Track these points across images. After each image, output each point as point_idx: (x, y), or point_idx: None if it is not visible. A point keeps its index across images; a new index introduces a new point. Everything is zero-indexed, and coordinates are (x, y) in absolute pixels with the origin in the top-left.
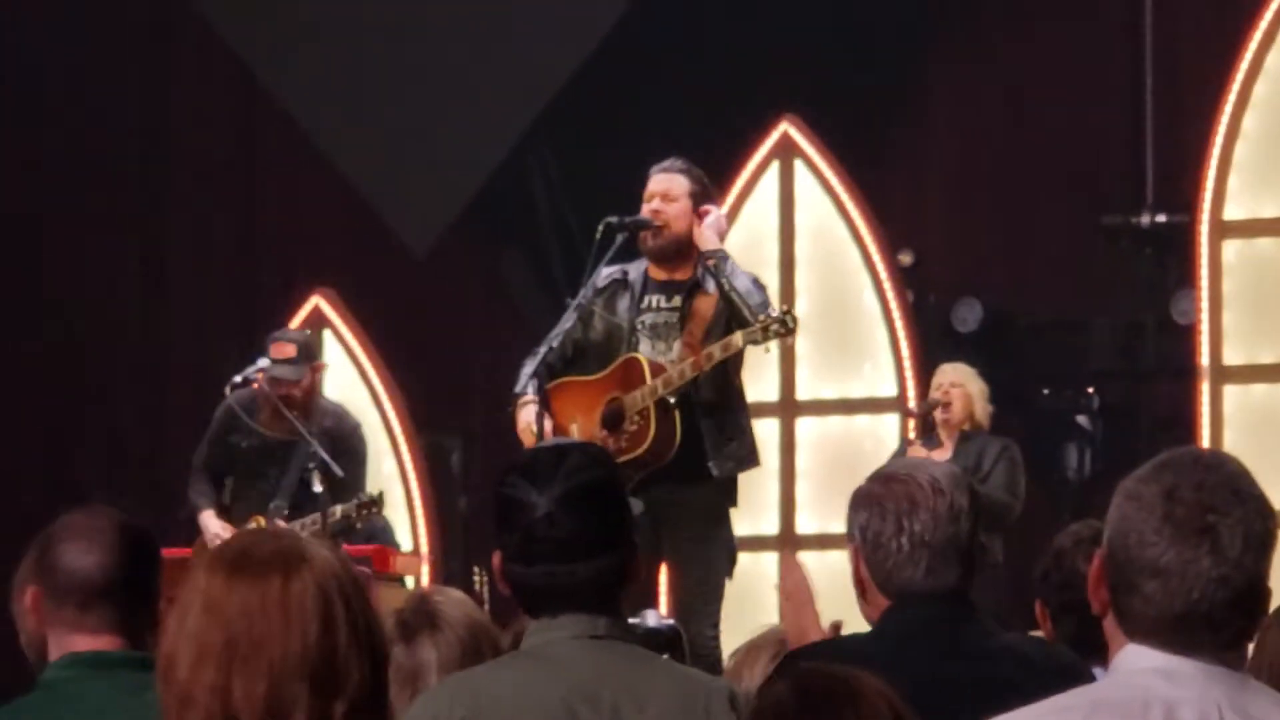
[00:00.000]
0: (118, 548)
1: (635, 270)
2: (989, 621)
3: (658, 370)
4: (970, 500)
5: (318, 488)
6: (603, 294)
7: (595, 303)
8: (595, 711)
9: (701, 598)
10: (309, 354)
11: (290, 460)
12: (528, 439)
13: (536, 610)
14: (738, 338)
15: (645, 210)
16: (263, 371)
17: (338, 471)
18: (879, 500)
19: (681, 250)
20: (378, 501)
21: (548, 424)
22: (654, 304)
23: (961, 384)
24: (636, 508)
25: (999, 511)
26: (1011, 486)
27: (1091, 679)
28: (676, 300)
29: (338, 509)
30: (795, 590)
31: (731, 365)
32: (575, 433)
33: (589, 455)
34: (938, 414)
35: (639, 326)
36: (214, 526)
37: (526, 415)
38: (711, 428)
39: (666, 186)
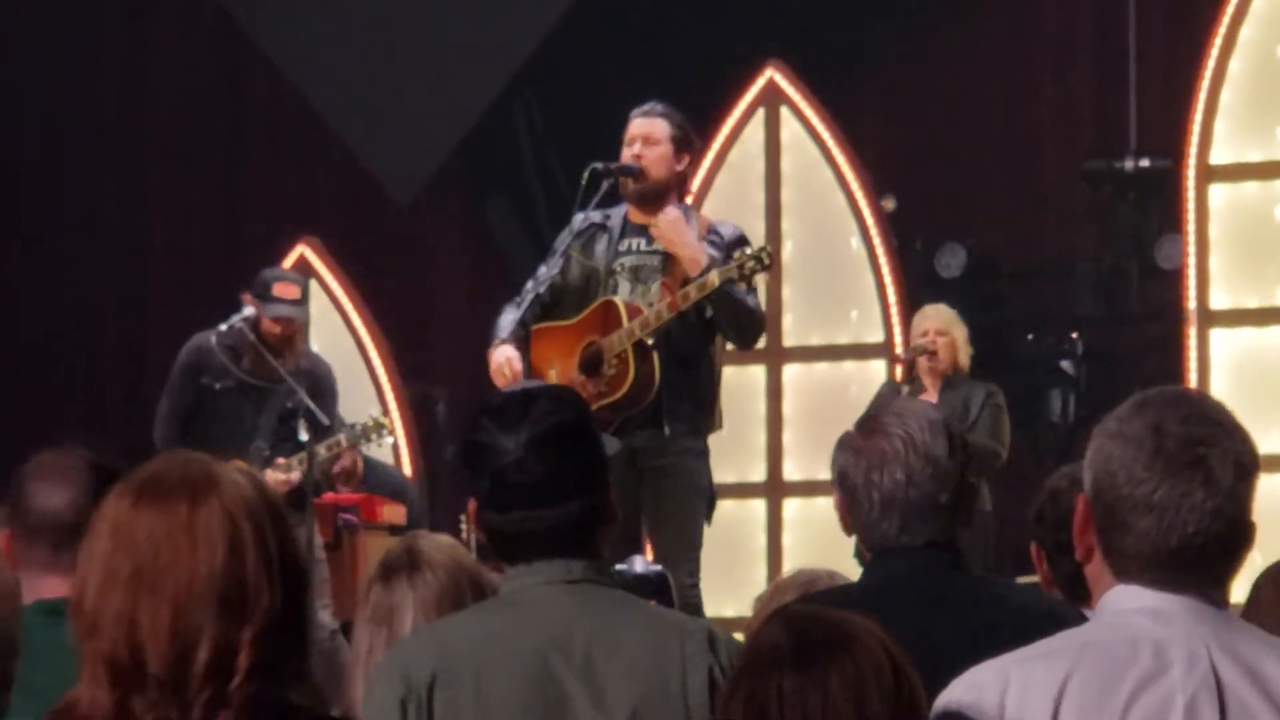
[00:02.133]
0: (90, 486)
1: (616, 214)
2: (976, 569)
3: (635, 312)
4: (951, 449)
5: (304, 435)
6: (580, 238)
7: (573, 247)
8: (567, 658)
9: (679, 545)
10: (306, 294)
11: (267, 403)
12: (499, 381)
13: (511, 556)
14: (714, 276)
15: (626, 154)
16: (260, 310)
17: (323, 420)
18: (856, 451)
19: (662, 194)
20: (383, 424)
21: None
22: (633, 247)
23: (947, 330)
24: (612, 446)
25: (985, 459)
26: (997, 433)
27: (1081, 623)
28: (658, 244)
29: (342, 438)
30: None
31: (717, 334)
32: (553, 377)
33: (558, 398)
34: (923, 361)
35: (618, 269)
36: None
37: (497, 358)
38: (671, 383)
39: (647, 130)
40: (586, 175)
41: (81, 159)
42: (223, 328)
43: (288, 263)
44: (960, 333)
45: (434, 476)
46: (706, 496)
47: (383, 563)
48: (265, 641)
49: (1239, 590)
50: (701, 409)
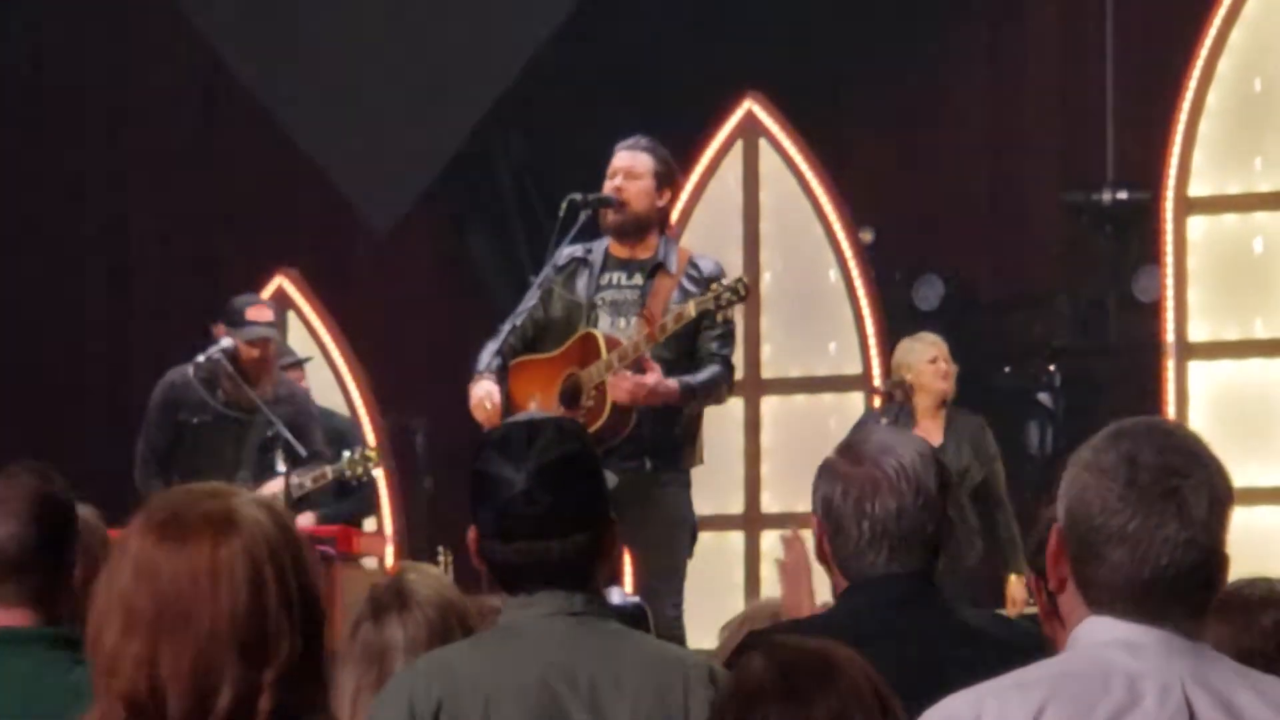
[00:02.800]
0: (32, 517)
1: (597, 248)
2: (948, 601)
3: (613, 344)
4: (940, 483)
5: (281, 467)
6: (563, 272)
7: (555, 281)
8: (573, 690)
9: (662, 577)
10: (278, 318)
11: (247, 434)
12: (479, 415)
13: (513, 587)
14: (690, 307)
15: (608, 186)
16: (236, 337)
17: (300, 450)
18: (844, 479)
19: (642, 228)
20: (371, 458)
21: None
22: (614, 281)
23: (948, 359)
24: (610, 479)
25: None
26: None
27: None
28: (638, 278)
29: (328, 469)
30: (794, 566)
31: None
32: (534, 409)
33: (563, 429)
34: (931, 386)
35: (599, 303)
36: None
37: (477, 392)
38: (653, 416)
39: (630, 163)
40: (565, 206)
41: (60, 188)
42: (200, 359)
43: (265, 293)
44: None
45: (412, 507)
46: (689, 528)
47: (371, 599)
48: (286, 685)
49: None
50: (683, 442)
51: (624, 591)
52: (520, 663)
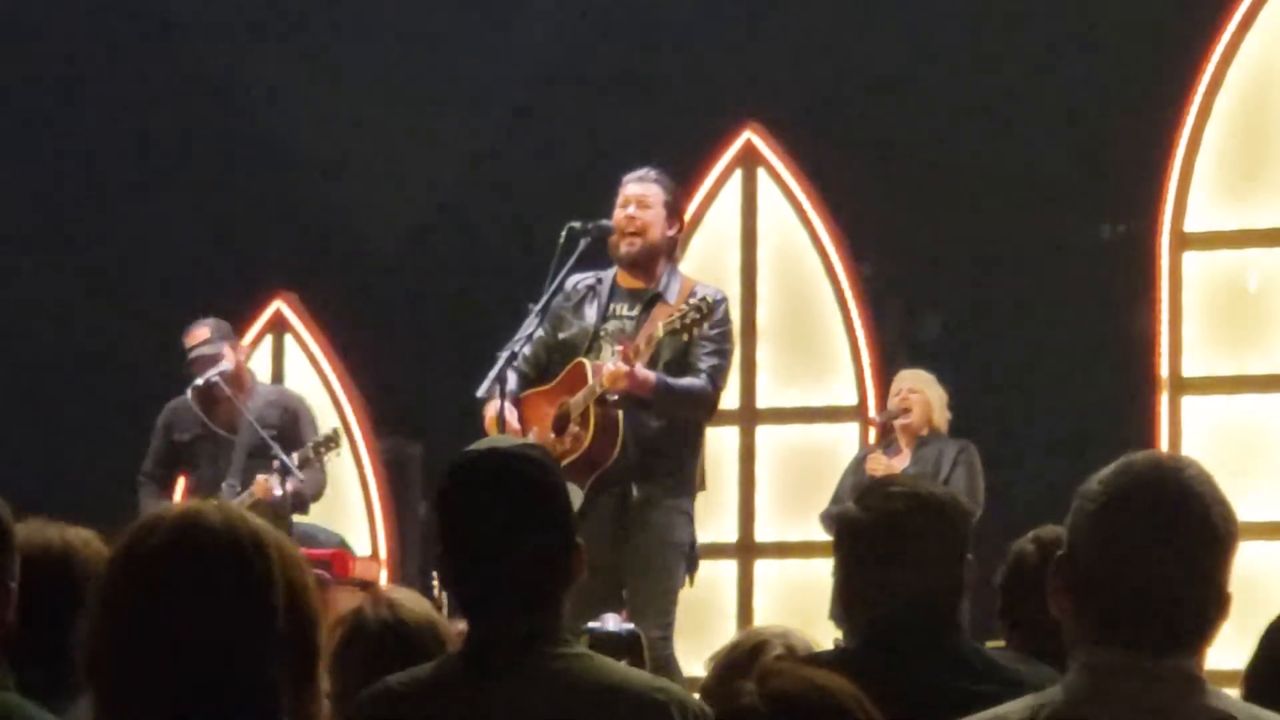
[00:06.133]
0: None
1: (606, 278)
2: (966, 636)
3: (599, 371)
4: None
5: (278, 490)
6: (572, 300)
7: (566, 309)
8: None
9: (650, 597)
10: (222, 332)
11: (236, 445)
12: (491, 433)
13: (472, 610)
14: (659, 328)
15: (619, 216)
16: (203, 369)
17: (285, 459)
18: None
19: (652, 258)
20: (334, 439)
21: (513, 419)
22: (617, 311)
23: (920, 390)
24: (577, 497)
25: None
26: (972, 491)
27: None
28: (638, 309)
29: (294, 455)
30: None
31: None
32: (533, 440)
33: (524, 455)
34: (897, 421)
35: (602, 332)
36: None
37: (490, 412)
38: (649, 441)
39: (641, 193)
40: (564, 233)
41: (61, 217)
42: (199, 383)
43: (263, 318)
44: (935, 394)
45: (408, 533)
46: (685, 553)
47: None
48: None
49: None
50: (681, 468)
51: (619, 618)
52: (481, 695)
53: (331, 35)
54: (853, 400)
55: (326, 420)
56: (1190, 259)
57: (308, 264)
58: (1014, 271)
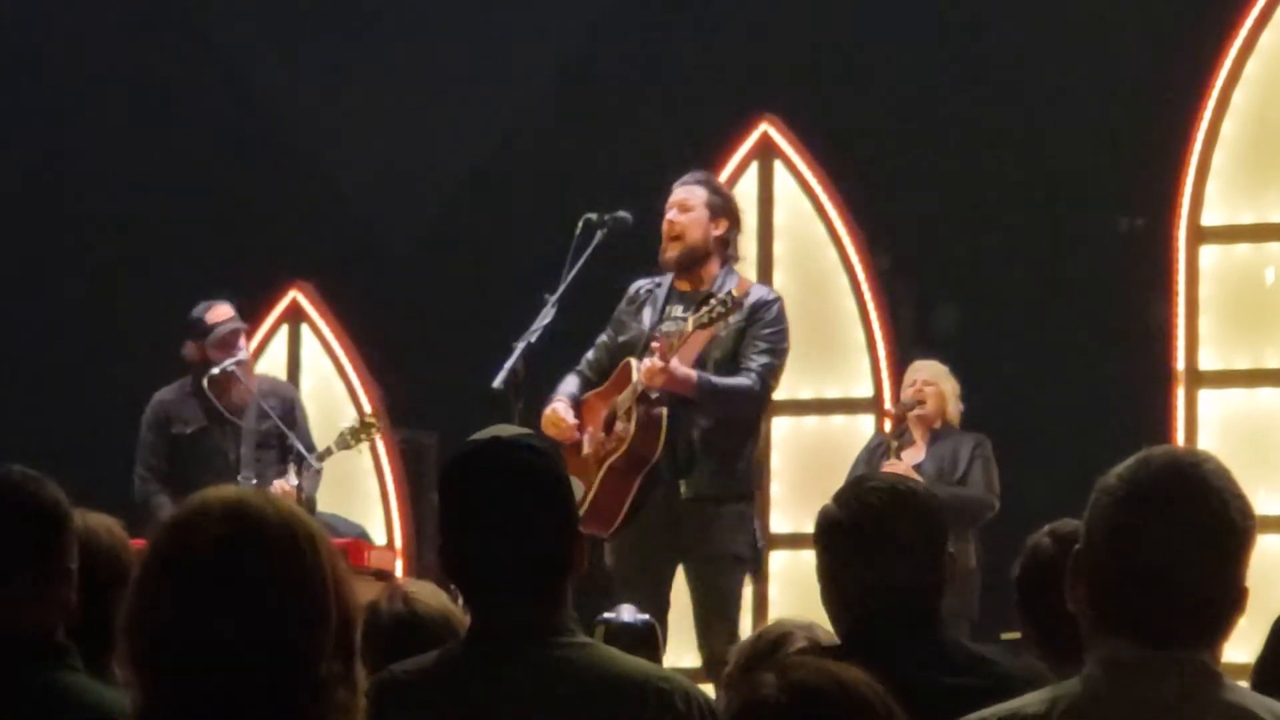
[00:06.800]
0: (15, 521)
1: (665, 281)
2: (949, 630)
3: (641, 369)
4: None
5: (294, 480)
6: (633, 304)
7: (627, 314)
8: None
9: (711, 607)
10: (238, 313)
11: (241, 435)
12: (550, 432)
13: (473, 597)
14: (689, 323)
15: (665, 222)
16: (207, 346)
17: (297, 445)
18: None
19: (698, 259)
20: (372, 423)
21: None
22: (672, 313)
23: (935, 382)
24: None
25: (978, 510)
26: (989, 486)
27: (1035, 679)
28: (690, 310)
29: (332, 445)
30: None
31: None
32: (587, 443)
33: (526, 444)
34: (912, 412)
35: (657, 335)
36: None
37: (545, 412)
38: (696, 439)
39: (683, 197)
40: (580, 226)
41: (77, 204)
42: (215, 372)
43: (279, 308)
44: (949, 385)
45: (424, 523)
46: (729, 555)
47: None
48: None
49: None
50: (732, 466)
51: (634, 609)
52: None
53: (349, 26)
54: (869, 392)
55: (342, 411)
56: (1207, 252)
57: (324, 254)
58: (1030, 264)
